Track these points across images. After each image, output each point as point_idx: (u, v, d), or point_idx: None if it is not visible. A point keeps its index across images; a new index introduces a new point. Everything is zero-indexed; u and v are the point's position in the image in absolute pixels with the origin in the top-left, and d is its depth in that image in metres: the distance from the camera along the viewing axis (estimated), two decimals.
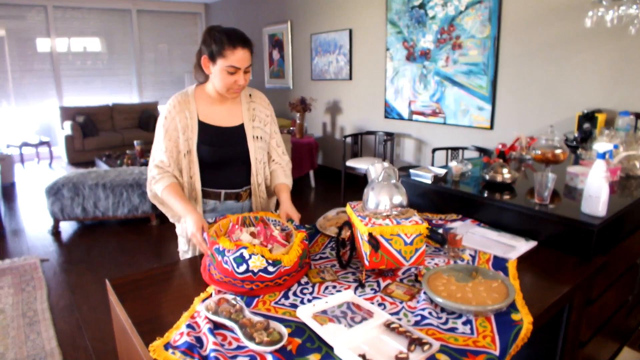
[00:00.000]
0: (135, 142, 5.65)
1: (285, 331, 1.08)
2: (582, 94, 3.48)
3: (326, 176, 6.17)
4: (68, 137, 7.06)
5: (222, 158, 1.66)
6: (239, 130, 1.67)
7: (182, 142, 1.61)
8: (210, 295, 1.29)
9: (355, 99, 5.70)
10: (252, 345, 1.03)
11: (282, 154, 1.81)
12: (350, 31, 5.52)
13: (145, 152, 5.88)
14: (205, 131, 1.62)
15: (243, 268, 1.26)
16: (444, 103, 4.55)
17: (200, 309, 1.19)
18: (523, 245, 1.63)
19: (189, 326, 1.12)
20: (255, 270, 1.26)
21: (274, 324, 1.11)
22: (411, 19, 4.70)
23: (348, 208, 1.49)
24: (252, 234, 1.47)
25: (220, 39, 1.50)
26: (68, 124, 7.11)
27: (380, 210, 1.35)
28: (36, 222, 4.48)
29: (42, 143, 7.21)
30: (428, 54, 4.61)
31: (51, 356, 2.34)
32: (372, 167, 1.45)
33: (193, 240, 1.43)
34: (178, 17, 9.00)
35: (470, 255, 1.57)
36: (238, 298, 1.22)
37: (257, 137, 1.69)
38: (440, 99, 4.59)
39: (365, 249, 1.31)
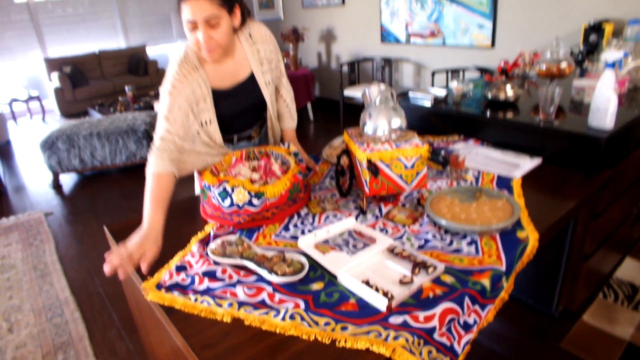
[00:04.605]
0: (126, 88, 5.47)
1: (304, 259, 1.07)
2: (588, 2, 3.28)
3: (324, 108, 6.03)
4: (57, 89, 6.85)
5: (238, 111, 1.58)
6: (251, 81, 1.55)
7: (200, 112, 1.45)
8: (209, 235, 1.26)
9: (349, 25, 5.44)
10: (274, 278, 1.02)
11: (285, 84, 1.73)
12: None
13: (138, 97, 5.73)
14: (221, 99, 1.50)
15: (228, 202, 1.23)
16: (443, 23, 4.33)
17: (195, 250, 1.17)
18: (527, 163, 1.58)
19: (179, 268, 1.11)
20: (240, 204, 1.23)
21: (289, 255, 1.10)
22: None
23: (345, 135, 1.43)
24: (254, 169, 1.43)
25: None
26: (55, 75, 6.86)
27: (378, 135, 1.29)
28: (36, 178, 4.45)
29: (31, 98, 7.00)
30: None
31: (66, 304, 2.40)
32: (367, 90, 1.37)
33: (108, 257, 1.05)
34: None
35: (474, 176, 1.53)
36: (244, 237, 1.19)
37: (268, 83, 1.59)
38: (438, 18, 4.36)
39: (364, 176, 1.26)
